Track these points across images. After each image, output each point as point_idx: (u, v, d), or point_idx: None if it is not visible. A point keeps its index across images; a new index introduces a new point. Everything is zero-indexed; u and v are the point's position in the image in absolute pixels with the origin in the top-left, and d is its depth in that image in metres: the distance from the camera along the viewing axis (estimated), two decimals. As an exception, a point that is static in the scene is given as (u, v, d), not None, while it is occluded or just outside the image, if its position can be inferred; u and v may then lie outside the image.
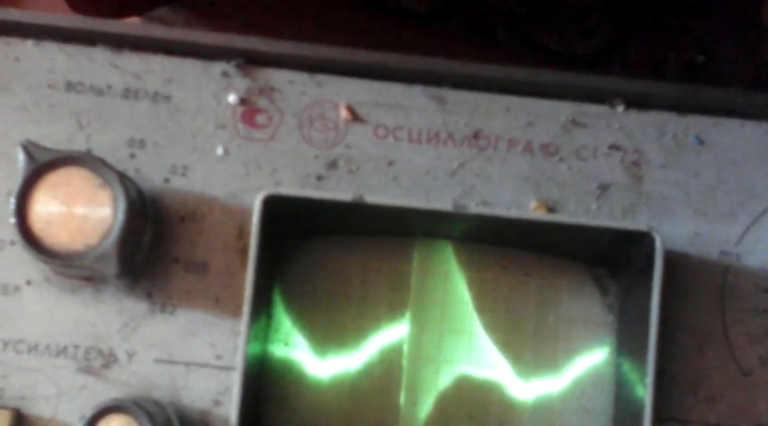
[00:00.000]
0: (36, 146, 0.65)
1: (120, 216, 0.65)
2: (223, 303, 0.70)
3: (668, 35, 0.99)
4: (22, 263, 0.69)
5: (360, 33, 1.00)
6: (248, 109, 0.72)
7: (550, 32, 0.99)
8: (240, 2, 1.00)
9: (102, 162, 0.66)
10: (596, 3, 0.99)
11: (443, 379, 0.71)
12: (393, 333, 0.72)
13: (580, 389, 0.71)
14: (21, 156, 0.65)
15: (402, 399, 0.71)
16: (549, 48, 0.99)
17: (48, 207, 0.65)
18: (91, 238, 0.65)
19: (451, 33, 0.99)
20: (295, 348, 0.72)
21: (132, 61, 0.72)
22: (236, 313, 0.69)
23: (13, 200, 0.65)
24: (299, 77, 0.72)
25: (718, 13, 0.99)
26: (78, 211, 0.65)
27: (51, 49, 0.72)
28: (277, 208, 0.68)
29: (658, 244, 0.66)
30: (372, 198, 0.68)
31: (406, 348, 0.71)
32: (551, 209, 0.71)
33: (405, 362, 0.71)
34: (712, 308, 0.70)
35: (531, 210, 0.71)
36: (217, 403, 0.69)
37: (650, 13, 0.99)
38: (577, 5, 0.99)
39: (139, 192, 0.68)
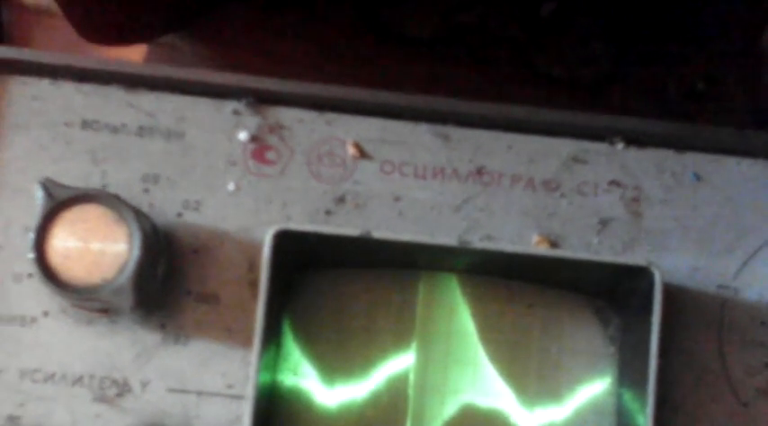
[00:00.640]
0: (54, 183, 0.67)
1: (136, 251, 0.67)
2: (234, 333, 0.72)
3: (669, 62, 1.00)
4: (40, 295, 0.71)
5: (364, 59, 1.01)
6: (259, 146, 0.74)
7: (552, 59, 1.00)
8: (246, 29, 1.01)
9: (118, 199, 0.68)
10: (598, 30, 1.00)
11: (449, 409, 0.73)
12: (399, 363, 0.73)
13: (582, 419, 0.73)
14: (39, 194, 0.67)
15: (408, 428, 0.73)
16: (550, 75, 1.00)
17: (65, 242, 0.67)
18: (107, 272, 0.67)
19: (455, 60, 1.00)
20: (304, 377, 0.73)
21: (146, 100, 0.74)
22: (246, 343, 0.71)
23: (31, 236, 0.67)
24: (308, 115, 0.74)
25: (719, 41, 1.00)
26: (95, 246, 0.67)
27: (68, 88, 0.74)
28: (287, 243, 0.69)
29: (657, 278, 0.68)
30: (379, 233, 0.69)
31: (412, 377, 0.73)
32: (553, 244, 0.73)
33: (411, 391, 0.73)
34: (711, 340, 0.72)
35: (534, 245, 0.73)
36: (228, 432, 0.71)
37: (651, 41, 1.00)
38: (579, 32, 1.00)
39: (153, 227, 0.70)
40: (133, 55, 1.02)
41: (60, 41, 1.01)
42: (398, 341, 0.73)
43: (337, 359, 0.73)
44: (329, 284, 0.74)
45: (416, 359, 0.73)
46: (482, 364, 0.73)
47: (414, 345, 0.73)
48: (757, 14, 0.99)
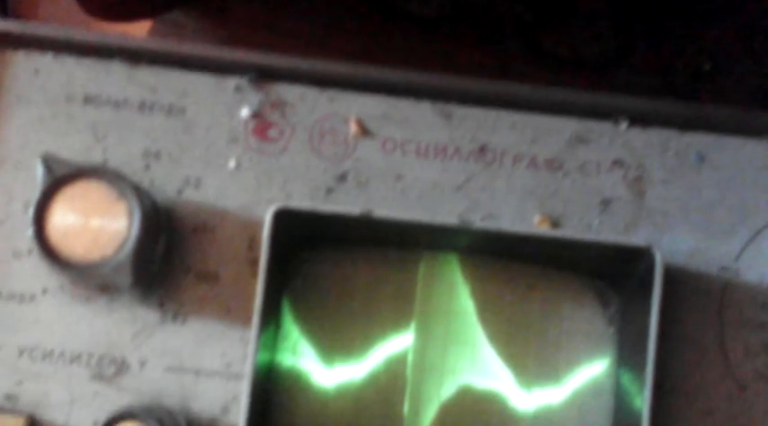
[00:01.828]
0: (55, 159, 0.67)
1: (135, 228, 0.67)
2: (233, 312, 0.72)
3: (675, 42, 1.00)
4: (39, 272, 0.71)
5: (370, 37, 1.01)
6: (260, 122, 0.73)
7: (558, 38, 1.00)
8: (251, 5, 1.01)
9: (119, 175, 0.67)
10: (604, 9, 1.00)
11: (447, 389, 0.73)
12: (398, 343, 0.73)
13: (581, 400, 0.73)
14: (39, 169, 0.67)
15: (406, 408, 0.73)
16: (556, 54, 1.00)
17: (65, 218, 0.67)
18: (106, 249, 0.67)
19: (460, 39, 1.00)
20: (302, 357, 0.73)
21: (148, 75, 0.74)
22: (245, 322, 0.71)
23: (31, 212, 0.67)
24: (310, 92, 0.74)
25: (726, 21, 1.00)
26: (95, 223, 0.67)
27: (69, 63, 0.74)
28: (287, 221, 0.69)
29: (658, 260, 0.68)
30: (380, 212, 0.69)
31: (410, 358, 0.73)
32: (555, 223, 0.73)
33: (409, 372, 0.73)
34: (711, 323, 0.72)
35: (536, 224, 0.73)
36: (225, 410, 0.71)
37: (657, 20, 1.00)
38: (585, 11, 1.00)
39: (154, 204, 0.70)
40: (137, 30, 1.02)
41: (64, 17, 1.01)
42: (398, 320, 0.73)
43: (336, 338, 0.73)
44: (329, 263, 0.74)
45: (415, 339, 0.73)
46: (481, 345, 0.73)
47: (413, 325, 0.73)
48: (764, -7, 0.99)
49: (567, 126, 0.74)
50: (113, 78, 0.73)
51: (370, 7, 1.00)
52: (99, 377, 0.71)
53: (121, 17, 0.94)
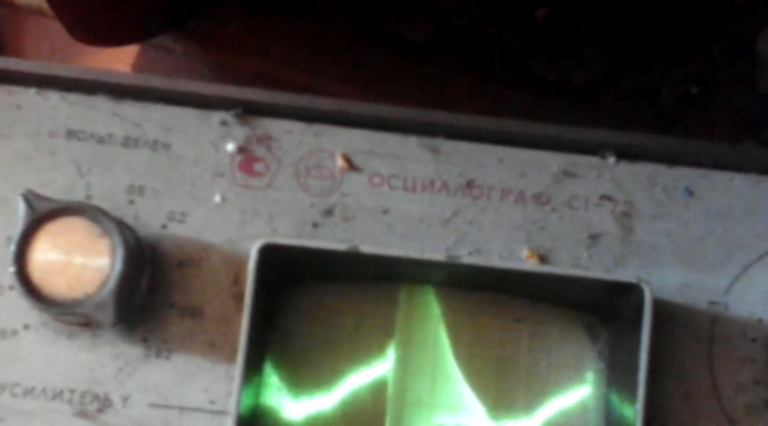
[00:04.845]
0: (36, 195, 0.67)
1: (118, 265, 0.66)
2: (218, 348, 0.71)
3: (663, 66, 1.00)
4: (20, 308, 0.70)
5: (358, 62, 1.01)
6: (246, 157, 0.73)
7: (546, 63, 1.00)
8: (240, 30, 1.01)
9: (102, 212, 0.67)
10: (591, 34, 1.00)
11: (429, 423, 0.72)
12: (380, 377, 0.73)
13: (570, 435, 0.73)
14: (21, 206, 0.66)
15: (387, 441, 0.72)
16: (545, 79, 1.00)
17: (47, 255, 0.66)
18: (88, 287, 0.66)
19: (448, 64, 1.01)
20: (286, 391, 0.73)
21: (132, 110, 0.73)
22: (230, 357, 0.70)
23: (12, 249, 0.66)
24: (297, 127, 0.73)
25: (713, 45, 1.00)
26: (77, 260, 0.66)
27: (53, 98, 0.73)
28: (273, 256, 0.69)
29: (647, 295, 0.67)
30: (366, 247, 0.69)
31: (391, 391, 0.72)
32: (543, 258, 0.72)
33: (389, 405, 0.72)
34: (701, 357, 0.72)
35: (523, 258, 0.72)
36: (211, 448, 0.70)
37: (645, 45, 1.00)
38: (573, 37, 1.00)
39: (137, 240, 0.69)
40: (125, 56, 1.01)
41: (52, 42, 1.01)
42: (381, 354, 0.73)
43: (319, 372, 0.73)
44: (315, 296, 0.74)
45: (396, 372, 0.72)
46: (467, 378, 0.73)
47: (395, 359, 0.73)
48: (752, 19, 0.99)
49: (555, 160, 0.73)
50: (97, 113, 0.73)
51: (358, 32, 1.01)
52: (82, 413, 0.70)
53: (109, 42, 0.94)
